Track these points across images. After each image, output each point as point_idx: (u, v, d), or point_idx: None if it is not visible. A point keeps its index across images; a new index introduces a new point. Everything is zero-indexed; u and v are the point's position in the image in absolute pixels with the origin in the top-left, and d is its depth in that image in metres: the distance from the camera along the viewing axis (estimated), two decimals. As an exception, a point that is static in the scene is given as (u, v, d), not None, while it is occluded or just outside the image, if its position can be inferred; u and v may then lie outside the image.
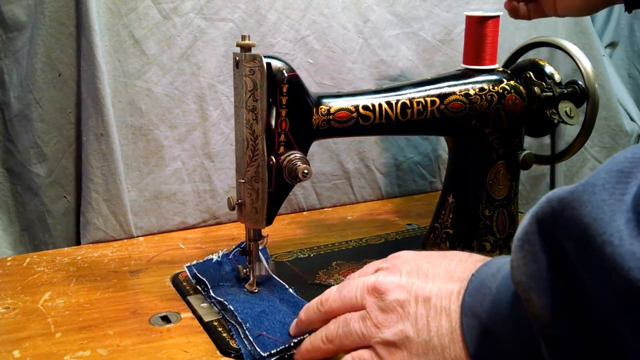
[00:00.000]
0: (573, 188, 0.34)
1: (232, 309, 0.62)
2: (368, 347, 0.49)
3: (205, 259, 0.73)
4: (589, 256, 0.33)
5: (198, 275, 0.69)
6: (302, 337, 0.56)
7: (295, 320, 0.58)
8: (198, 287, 0.68)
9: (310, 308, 0.55)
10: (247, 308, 0.62)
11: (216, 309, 0.65)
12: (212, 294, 0.66)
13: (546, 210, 0.35)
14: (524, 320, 0.38)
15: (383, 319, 0.48)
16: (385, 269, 0.51)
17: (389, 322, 0.48)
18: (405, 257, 0.51)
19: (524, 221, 0.37)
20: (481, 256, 0.48)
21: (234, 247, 0.74)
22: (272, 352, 0.56)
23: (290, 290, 0.67)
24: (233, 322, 0.61)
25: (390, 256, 0.53)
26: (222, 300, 0.64)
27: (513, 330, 0.40)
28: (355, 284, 0.51)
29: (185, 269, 0.72)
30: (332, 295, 0.53)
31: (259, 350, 0.56)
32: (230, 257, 0.73)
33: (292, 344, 0.56)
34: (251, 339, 0.58)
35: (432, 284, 0.47)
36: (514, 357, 0.41)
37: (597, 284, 0.33)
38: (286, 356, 0.56)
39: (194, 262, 0.73)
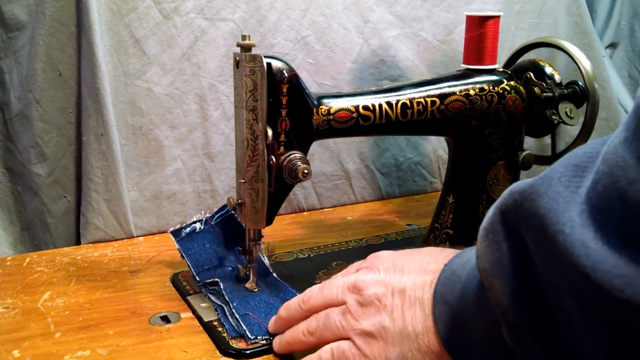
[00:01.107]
0: (533, 181, 0.36)
1: (221, 287, 0.64)
2: (347, 339, 0.50)
3: (188, 227, 0.72)
4: (544, 244, 0.34)
5: (182, 253, 0.70)
6: None
7: (274, 317, 0.59)
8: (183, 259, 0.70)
9: (292, 306, 0.57)
10: (234, 290, 0.65)
11: (203, 291, 0.67)
12: (197, 278, 0.67)
13: (509, 202, 0.37)
14: (488, 306, 0.40)
15: (362, 312, 0.50)
16: (365, 268, 0.53)
17: (367, 315, 0.50)
18: (383, 256, 0.54)
19: (490, 212, 0.40)
20: (454, 250, 0.51)
21: (216, 210, 0.73)
22: (259, 337, 0.58)
23: (274, 274, 0.69)
24: (220, 302, 0.64)
25: (369, 256, 0.55)
26: (214, 279, 0.66)
27: (479, 316, 0.42)
28: (337, 283, 0.54)
29: (171, 235, 0.72)
30: (314, 294, 0.55)
31: (245, 328, 0.59)
32: (212, 223, 0.72)
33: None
34: (237, 317, 0.60)
35: (407, 277, 0.50)
36: (481, 342, 0.43)
37: (550, 270, 0.35)
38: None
39: (179, 227, 0.72)
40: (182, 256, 0.70)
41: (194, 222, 0.72)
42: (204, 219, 0.72)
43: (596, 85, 0.75)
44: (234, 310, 0.61)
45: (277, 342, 0.57)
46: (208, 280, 0.67)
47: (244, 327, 0.59)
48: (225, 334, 0.60)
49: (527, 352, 0.39)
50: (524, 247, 0.37)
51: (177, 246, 0.71)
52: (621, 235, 0.31)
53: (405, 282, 0.49)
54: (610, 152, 0.32)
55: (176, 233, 0.72)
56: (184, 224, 0.72)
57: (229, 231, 0.72)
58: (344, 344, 0.50)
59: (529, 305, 0.37)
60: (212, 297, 0.65)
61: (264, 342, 0.59)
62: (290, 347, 0.56)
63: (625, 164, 0.31)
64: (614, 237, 0.31)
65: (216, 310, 0.63)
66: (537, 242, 0.35)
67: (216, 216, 0.72)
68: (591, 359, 0.35)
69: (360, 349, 0.49)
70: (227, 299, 0.63)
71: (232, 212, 0.70)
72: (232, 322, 0.61)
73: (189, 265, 0.69)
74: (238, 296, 0.64)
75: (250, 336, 0.58)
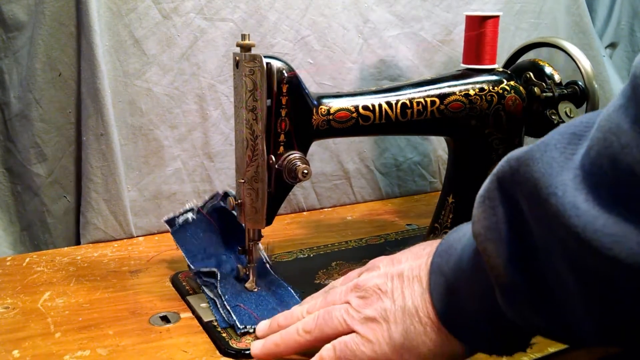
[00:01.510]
0: (529, 148, 0.37)
1: (218, 277, 0.65)
2: (349, 334, 0.50)
3: (181, 217, 0.72)
4: (537, 208, 0.35)
5: (177, 243, 0.71)
6: None
7: (266, 321, 0.59)
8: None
9: (295, 314, 0.56)
10: (228, 283, 0.66)
11: (198, 282, 0.68)
12: (192, 267, 0.68)
13: (505, 169, 0.38)
14: (483, 273, 0.40)
15: (364, 303, 0.50)
16: (366, 271, 0.54)
17: (368, 304, 0.50)
18: (381, 258, 0.55)
19: (487, 180, 0.40)
20: None
21: (207, 198, 0.73)
22: (248, 327, 0.59)
23: (267, 265, 0.70)
24: (212, 295, 0.65)
25: (369, 262, 0.56)
26: (211, 269, 0.67)
27: (474, 282, 0.43)
28: (339, 289, 0.54)
29: (165, 224, 0.72)
30: (318, 303, 0.55)
31: (235, 319, 0.60)
32: (204, 212, 0.72)
33: None
34: (229, 309, 0.61)
35: (405, 264, 0.50)
36: (475, 310, 0.43)
37: (543, 233, 0.36)
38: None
39: (172, 216, 0.72)
40: (177, 246, 0.71)
41: (187, 211, 0.72)
42: (196, 208, 0.72)
43: (596, 85, 0.75)
44: (225, 303, 0.62)
45: (258, 345, 0.55)
46: (203, 269, 0.67)
47: (234, 318, 0.60)
48: (224, 334, 0.60)
49: (521, 315, 0.39)
50: (519, 211, 0.37)
51: (172, 236, 0.71)
52: (612, 197, 0.31)
53: (403, 268, 0.50)
54: (604, 119, 0.33)
55: (170, 222, 0.72)
56: (177, 213, 0.72)
57: (222, 220, 0.72)
58: (346, 337, 0.50)
59: (522, 268, 0.38)
60: (206, 290, 0.66)
61: (253, 330, 0.59)
62: (277, 350, 0.54)
63: (619, 130, 0.31)
64: (605, 199, 0.32)
65: (208, 302, 0.64)
66: (531, 206, 0.36)
67: (207, 205, 0.73)
68: (580, 321, 0.36)
69: (364, 335, 0.49)
70: (220, 293, 0.64)
71: (222, 203, 0.71)
72: (222, 314, 0.62)
73: (184, 255, 0.70)
74: (231, 290, 0.65)
75: (239, 326, 0.59)
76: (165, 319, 0.64)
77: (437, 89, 0.70)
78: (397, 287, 0.49)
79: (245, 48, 0.60)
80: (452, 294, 0.45)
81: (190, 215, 0.72)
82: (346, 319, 0.50)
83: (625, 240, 0.30)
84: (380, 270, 0.52)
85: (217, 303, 0.64)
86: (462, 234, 0.46)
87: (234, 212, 0.70)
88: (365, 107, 0.67)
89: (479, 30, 0.73)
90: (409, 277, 0.49)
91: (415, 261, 0.50)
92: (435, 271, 0.46)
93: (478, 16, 0.73)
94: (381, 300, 0.49)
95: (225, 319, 0.61)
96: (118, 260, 0.78)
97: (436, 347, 0.46)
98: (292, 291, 0.67)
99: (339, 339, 0.50)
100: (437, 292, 0.46)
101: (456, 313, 0.45)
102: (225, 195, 0.71)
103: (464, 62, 0.75)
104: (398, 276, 0.50)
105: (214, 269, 0.67)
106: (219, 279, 0.65)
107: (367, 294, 0.50)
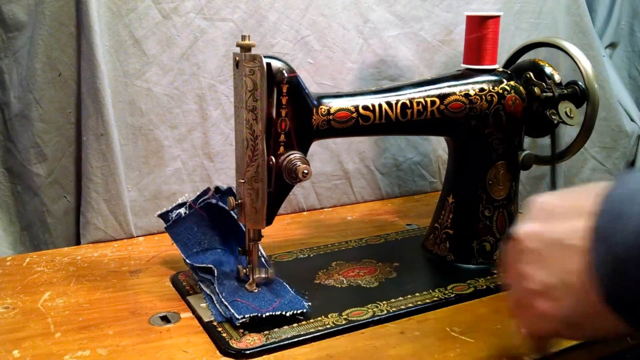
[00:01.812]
0: None
1: (215, 274, 0.66)
2: (528, 300, 0.48)
3: (174, 212, 0.72)
4: None
5: (172, 239, 0.71)
6: (274, 310, 0.61)
7: None
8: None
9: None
10: (225, 280, 0.66)
11: (195, 277, 0.68)
12: (188, 261, 0.68)
13: None
14: None
15: (524, 270, 0.47)
16: (523, 220, 0.50)
17: (529, 272, 0.47)
18: (535, 202, 0.49)
19: None
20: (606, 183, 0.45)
21: (198, 194, 0.73)
22: (245, 316, 0.60)
23: (263, 259, 0.70)
24: (209, 291, 0.65)
25: (528, 202, 0.51)
26: (207, 265, 0.67)
27: None
28: (509, 245, 0.51)
29: (160, 218, 0.73)
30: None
31: (233, 312, 0.61)
32: (197, 207, 0.72)
33: (263, 315, 0.61)
34: (226, 304, 0.62)
35: (562, 224, 0.45)
36: None
37: None
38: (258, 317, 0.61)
39: (165, 210, 0.72)
40: (171, 240, 0.71)
41: (179, 206, 0.72)
42: (188, 203, 0.72)
43: (596, 85, 0.75)
44: (222, 299, 0.63)
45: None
46: (199, 265, 0.68)
47: (232, 311, 0.61)
48: (225, 334, 0.60)
49: None
50: None
51: (167, 230, 0.72)
52: None
53: (560, 232, 0.45)
54: None
55: (164, 217, 0.72)
56: (170, 207, 0.73)
57: (215, 215, 0.72)
58: (529, 313, 0.48)
59: None
60: (202, 285, 0.67)
61: (250, 321, 0.60)
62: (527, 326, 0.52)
63: None
64: None
65: (205, 298, 0.65)
66: None
67: (199, 200, 0.73)
68: None
69: (538, 310, 0.46)
70: (218, 290, 0.64)
71: (214, 198, 0.71)
72: (219, 309, 0.62)
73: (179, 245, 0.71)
74: (228, 288, 0.65)
75: (237, 317, 0.60)
76: (165, 319, 0.64)
77: (437, 89, 0.70)
78: (557, 259, 0.45)
79: (245, 48, 0.60)
80: (622, 272, 0.39)
81: (182, 210, 0.72)
82: (521, 295, 0.48)
83: None
84: (533, 224, 0.47)
85: (214, 299, 0.64)
86: (631, 192, 0.40)
87: (233, 212, 0.70)
88: (365, 107, 0.67)
89: (480, 31, 0.73)
90: (570, 247, 0.44)
91: (575, 221, 0.44)
92: (601, 240, 0.41)
93: (478, 16, 0.73)
94: (539, 271, 0.46)
95: (222, 313, 0.62)
96: (118, 260, 0.78)
97: (599, 323, 0.42)
98: (288, 286, 0.67)
99: (525, 315, 0.48)
100: (603, 266, 0.40)
101: (627, 293, 0.39)
102: (217, 189, 0.72)
103: (464, 62, 0.75)
104: (555, 244, 0.45)
105: (211, 265, 0.67)
106: (216, 275, 0.66)
107: (526, 259, 0.47)
